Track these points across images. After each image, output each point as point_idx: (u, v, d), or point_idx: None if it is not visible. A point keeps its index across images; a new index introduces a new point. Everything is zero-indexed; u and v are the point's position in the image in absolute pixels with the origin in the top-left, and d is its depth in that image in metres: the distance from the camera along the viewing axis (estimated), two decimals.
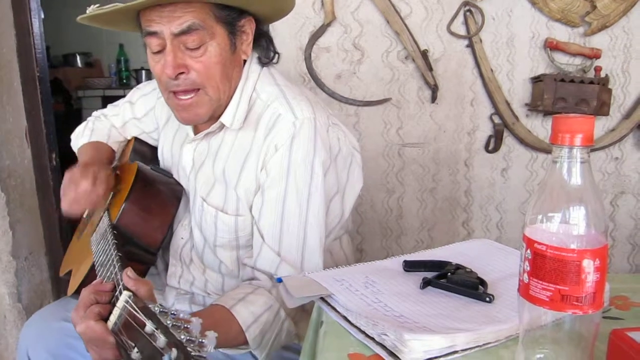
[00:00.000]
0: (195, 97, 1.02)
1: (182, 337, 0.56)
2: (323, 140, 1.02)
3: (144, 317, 0.61)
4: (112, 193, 1.20)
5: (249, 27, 1.06)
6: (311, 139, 1.01)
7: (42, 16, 1.99)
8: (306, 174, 1.01)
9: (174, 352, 0.54)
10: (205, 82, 1.00)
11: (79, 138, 1.38)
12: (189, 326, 0.59)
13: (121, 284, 0.76)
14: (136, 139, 1.38)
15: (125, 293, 0.69)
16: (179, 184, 1.19)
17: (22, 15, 1.88)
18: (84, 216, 1.19)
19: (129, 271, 0.79)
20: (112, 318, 0.70)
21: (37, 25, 1.92)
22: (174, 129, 1.22)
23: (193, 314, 0.97)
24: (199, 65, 0.99)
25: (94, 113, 1.42)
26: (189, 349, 0.55)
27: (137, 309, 0.63)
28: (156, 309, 0.62)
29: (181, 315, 0.61)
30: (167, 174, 1.22)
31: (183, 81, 1.00)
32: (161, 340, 0.56)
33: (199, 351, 0.55)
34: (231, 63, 1.04)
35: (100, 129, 1.38)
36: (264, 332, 0.96)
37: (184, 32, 0.96)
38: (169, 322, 0.59)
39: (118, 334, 0.68)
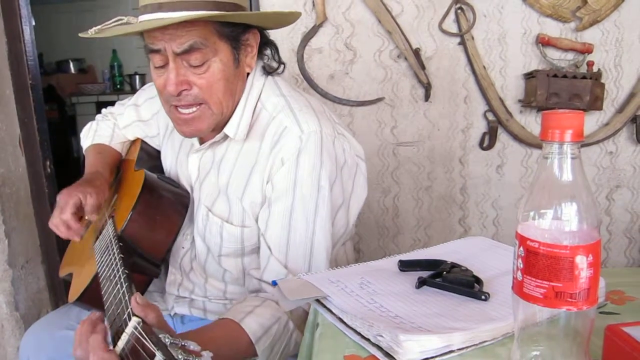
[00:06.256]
0: (197, 111, 1.01)
1: None
2: (329, 152, 1.01)
3: (154, 348, 0.59)
4: (115, 196, 1.17)
5: (253, 40, 1.04)
6: (317, 152, 1.00)
7: (33, 23, 1.98)
8: (313, 188, 1.00)
9: None
10: (207, 98, 1.00)
11: (85, 139, 1.38)
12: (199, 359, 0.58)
13: (130, 308, 0.74)
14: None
15: (134, 319, 0.68)
16: (186, 192, 1.16)
17: (13, 22, 1.87)
18: (85, 217, 1.17)
19: (138, 297, 0.76)
20: (120, 344, 0.68)
21: (28, 32, 1.90)
22: (180, 137, 1.18)
23: (202, 328, 0.93)
24: (202, 82, 0.98)
25: (103, 110, 1.42)
26: None
27: (147, 338, 0.62)
28: (167, 340, 0.60)
29: (191, 347, 0.60)
30: (174, 183, 1.19)
31: (185, 97, 0.99)
32: None
33: None
34: (235, 77, 1.03)
35: (103, 129, 1.37)
36: (274, 344, 0.95)
37: (186, 52, 0.95)
38: (180, 356, 0.58)
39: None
